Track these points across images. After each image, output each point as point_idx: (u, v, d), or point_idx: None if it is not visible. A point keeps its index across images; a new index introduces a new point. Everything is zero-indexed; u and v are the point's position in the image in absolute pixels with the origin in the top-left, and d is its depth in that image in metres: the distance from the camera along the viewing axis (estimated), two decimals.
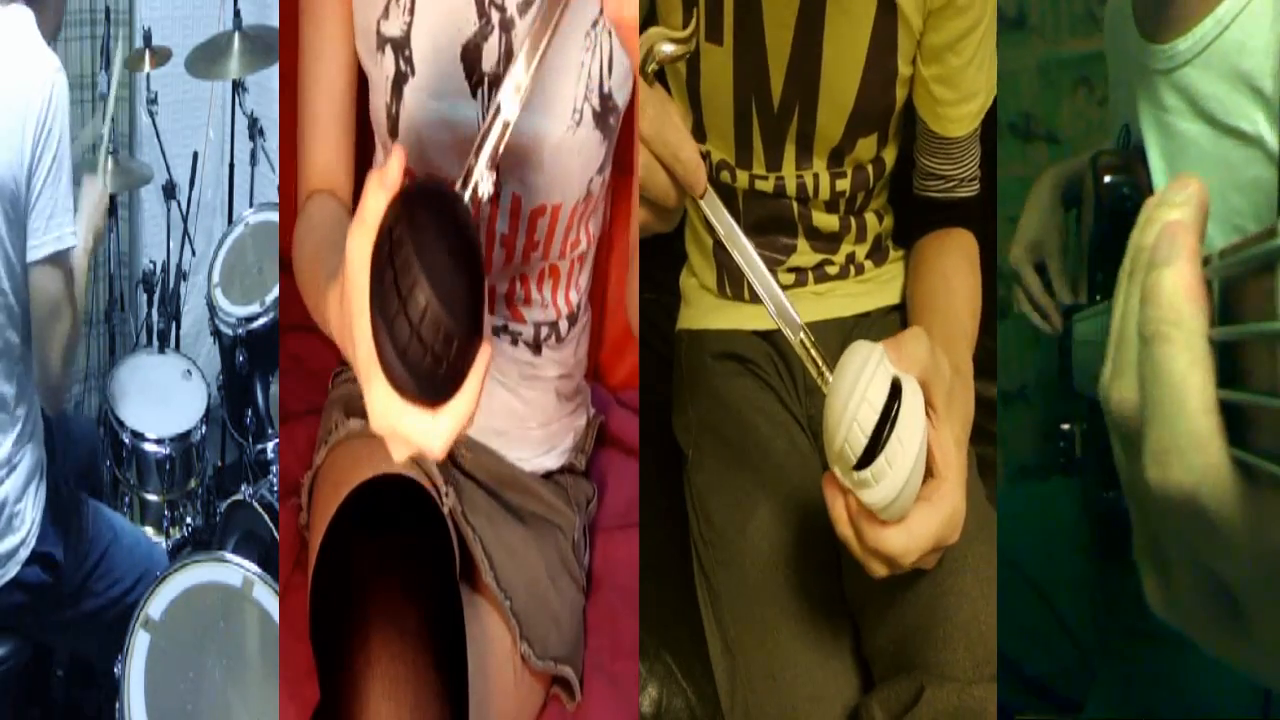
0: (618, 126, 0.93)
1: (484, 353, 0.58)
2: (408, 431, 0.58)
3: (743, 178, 1.06)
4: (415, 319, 0.54)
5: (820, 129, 1.02)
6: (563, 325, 1.01)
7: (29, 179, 1.04)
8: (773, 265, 1.13)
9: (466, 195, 0.63)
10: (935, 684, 0.82)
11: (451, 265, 0.56)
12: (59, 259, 1.09)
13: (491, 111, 0.65)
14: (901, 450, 0.68)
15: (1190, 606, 0.37)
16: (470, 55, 0.88)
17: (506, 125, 0.64)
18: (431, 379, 0.56)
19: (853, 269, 1.14)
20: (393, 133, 0.90)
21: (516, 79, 0.65)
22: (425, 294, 0.54)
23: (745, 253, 0.75)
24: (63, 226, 1.08)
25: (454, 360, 0.56)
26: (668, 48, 0.70)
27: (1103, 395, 0.39)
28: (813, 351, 0.75)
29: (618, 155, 0.97)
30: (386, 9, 0.88)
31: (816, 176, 1.06)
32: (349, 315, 0.58)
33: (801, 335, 0.75)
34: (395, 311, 0.54)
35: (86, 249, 1.18)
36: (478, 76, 0.88)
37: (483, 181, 0.63)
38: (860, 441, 0.68)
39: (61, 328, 1.13)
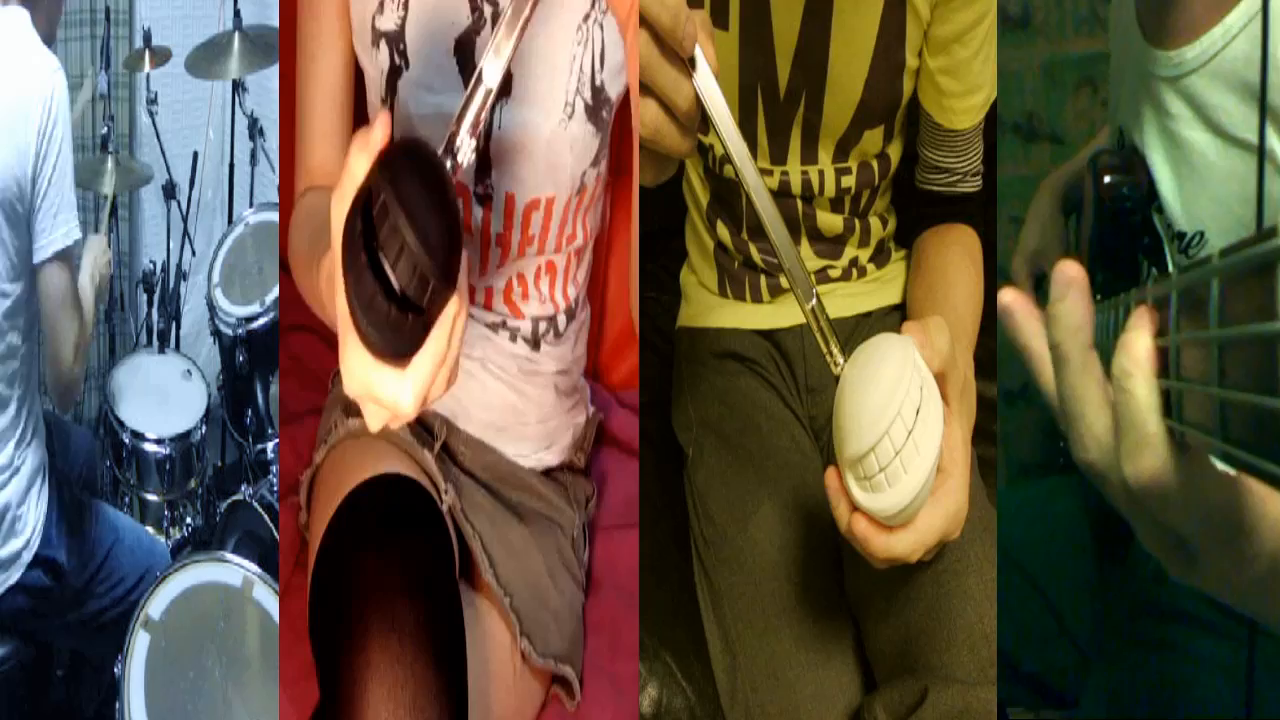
0: (611, 119, 0.93)
1: (452, 303, 0.56)
2: (378, 392, 0.57)
3: None
4: (391, 262, 0.53)
5: (827, 120, 1.01)
6: (561, 320, 1.01)
7: (33, 182, 1.05)
8: (774, 271, 1.13)
9: (449, 163, 0.62)
10: (940, 686, 0.82)
11: (428, 216, 0.55)
12: (66, 254, 1.10)
13: (474, 79, 0.63)
14: (918, 457, 0.67)
15: (1158, 549, 0.51)
16: (463, 48, 0.88)
17: (489, 92, 0.63)
18: (398, 331, 0.55)
19: (855, 271, 1.13)
20: None
21: (497, 44, 0.63)
22: (405, 235, 0.53)
23: (747, 168, 0.66)
24: (69, 222, 1.09)
25: (426, 309, 0.55)
26: None
27: (1104, 468, 0.48)
28: (822, 322, 0.71)
29: (614, 155, 0.97)
30: (381, 4, 0.88)
31: (821, 173, 1.05)
32: (335, 284, 0.56)
33: (814, 304, 0.71)
34: (364, 263, 0.53)
35: (90, 314, 1.19)
36: (470, 69, 0.88)
37: (464, 149, 0.62)
38: (889, 455, 0.67)
39: (73, 324, 1.13)
